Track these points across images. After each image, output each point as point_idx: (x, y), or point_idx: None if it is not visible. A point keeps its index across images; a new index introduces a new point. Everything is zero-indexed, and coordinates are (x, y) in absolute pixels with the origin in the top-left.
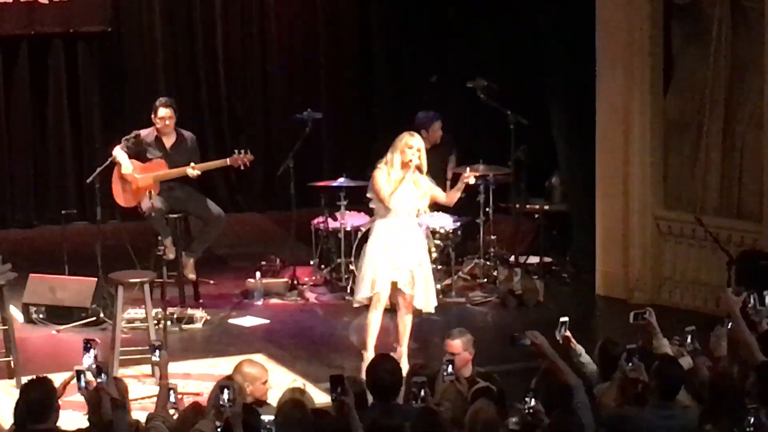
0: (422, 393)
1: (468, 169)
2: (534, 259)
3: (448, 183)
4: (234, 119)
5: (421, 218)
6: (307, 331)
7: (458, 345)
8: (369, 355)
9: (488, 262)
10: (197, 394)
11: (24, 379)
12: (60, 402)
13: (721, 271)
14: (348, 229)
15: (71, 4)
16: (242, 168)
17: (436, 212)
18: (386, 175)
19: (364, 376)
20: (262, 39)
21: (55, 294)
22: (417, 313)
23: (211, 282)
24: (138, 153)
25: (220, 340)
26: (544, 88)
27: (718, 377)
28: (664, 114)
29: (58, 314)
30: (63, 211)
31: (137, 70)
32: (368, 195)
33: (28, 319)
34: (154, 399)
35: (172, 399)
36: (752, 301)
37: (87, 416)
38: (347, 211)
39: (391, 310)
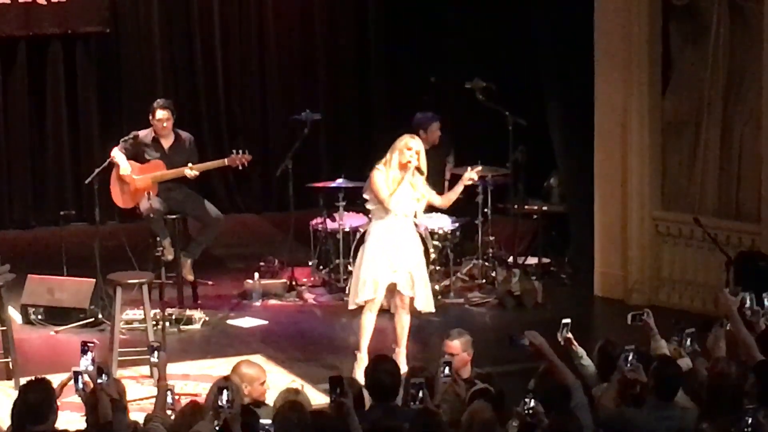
0: (420, 394)
1: (470, 168)
2: (532, 260)
3: (447, 184)
4: (232, 120)
5: (420, 219)
6: (305, 332)
7: (457, 346)
8: (362, 356)
9: (487, 263)
10: (195, 395)
11: (23, 380)
12: (58, 403)
13: (720, 272)
14: (347, 229)
15: (69, 5)
16: (240, 168)
17: (434, 213)
18: (385, 176)
19: (357, 377)
20: (260, 40)
21: (54, 295)
22: (416, 314)
23: (210, 283)
24: (136, 154)
25: (219, 341)
26: (543, 89)
27: (716, 377)
28: (662, 114)
29: (56, 315)
30: (61, 212)
31: (135, 71)
32: (365, 195)
33: (27, 320)
34: (153, 400)
35: (169, 400)
36: (749, 301)
37: (85, 417)
38: (346, 212)
39: (384, 312)
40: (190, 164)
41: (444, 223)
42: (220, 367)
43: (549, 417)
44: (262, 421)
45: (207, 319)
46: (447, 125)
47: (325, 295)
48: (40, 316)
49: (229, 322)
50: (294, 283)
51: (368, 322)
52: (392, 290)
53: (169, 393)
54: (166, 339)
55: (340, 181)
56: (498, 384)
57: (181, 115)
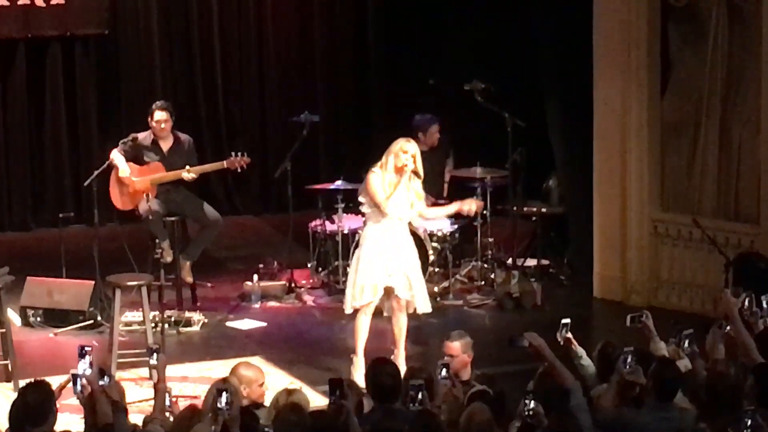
0: (420, 396)
1: (474, 199)
2: (531, 262)
3: (446, 186)
4: (231, 122)
5: (419, 221)
6: (304, 334)
7: (457, 347)
8: (359, 359)
9: (486, 265)
10: (195, 397)
11: (22, 382)
12: (57, 405)
13: (718, 273)
14: (345, 231)
15: (68, 7)
16: (239, 170)
17: None
18: (381, 179)
19: (354, 380)
20: (259, 41)
21: (53, 297)
22: (415, 316)
23: (209, 285)
24: (135, 156)
25: (218, 343)
26: (542, 91)
27: (714, 378)
28: (662, 116)
29: (55, 317)
30: (60, 214)
31: (134, 73)
32: (360, 198)
33: (26, 322)
34: (152, 402)
35: (167, 402)
36: (747, 303)
37: (83, 419)
38: (345, 214)
39: (376, 314)
40: (187, 167)
41: (443, 225)
42: (219, 369)
43: (548, 418)
44: (261, 423)
45: (206, 321)
46: (446, 127)
47: (324, 297)
48: (39, 318)
49: (228, 324)
50: (293, 285)
51: (363, 325)
52: (388, 293)
53: (167, 395)
54: (165, 341)
55: (339, 183)
56: (499, 386)
57: (180, 117)
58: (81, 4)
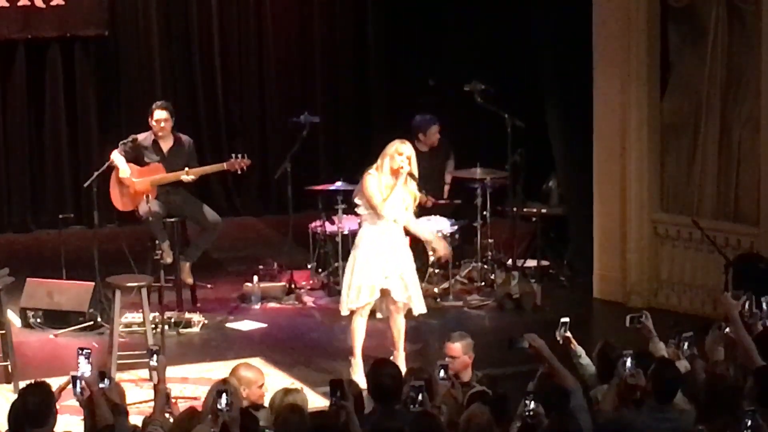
0: (420, 397)
1: (443, 249)
2: (531, 263)
3: (447, 187)
4: (230, 123)
5: (419, 221)
6: (304, 335)
7: (458, 348)
8: (357, 360)
9: (485, 266)
10: (195, 398)
11: (22, 384)
12: (57, 406)
13: (718, 274)
14: (345, 232)
15: (68, 9)
16: (239, 172)
17: (433, 216)
18: (377, 182)
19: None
20: (259, 42)
21: (53, 298)
22: (415, 317)
23: (209, 286)
24: (136, 157)
25: (218, 344)
26: (542, 92)
27: (713, 379)
28: (661, 116)
29: (55, 318)
30: (60, 216)
31: (134, 73)
32: (356, 200)
33: (26, 324)
34: (152, 403)
35: (167, 403)
36: (747, 305)
37: (83, 421)
38: (344, 215)
39: (371, 316)
40: (187, 168)
41: (443, 226)
42: (219, 370)
43: (549, 418)
44: (261, 424)
45: (206, 322)
46: (446, 128)
47: (324, 298)
48: (39, 320)
49: (228, 325)
50: (293, 286)
51: (360, 327)
52: (384, 294)
53: (167, 396)
54: (165, 342)
55: (338, 184)
56: (503, 388)
57: (180, 118)
58: (81, 5)
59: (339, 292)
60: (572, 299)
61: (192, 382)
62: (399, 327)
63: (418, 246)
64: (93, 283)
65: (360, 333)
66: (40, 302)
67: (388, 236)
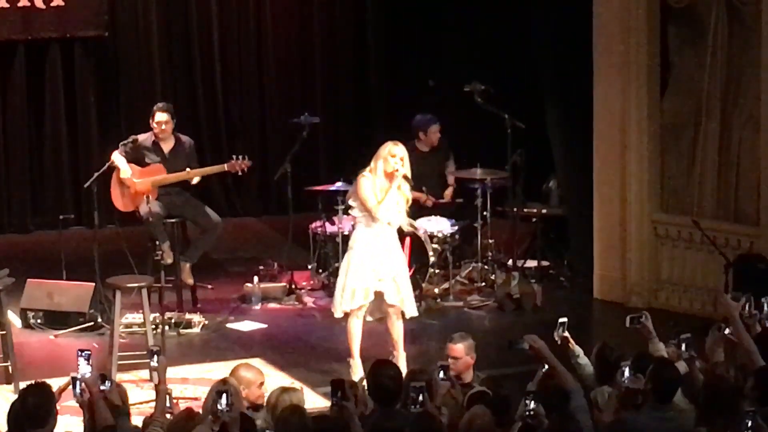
0: (421, 398)
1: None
2: (531, 263)
3: (451, 188)
4: (230, 123)
5: (420, 222)
6: (304, 336)
7: (461, 349)
8: (356, 362)
9: (486, 266)
10: (195, 399)
11: (22, 384)
12: (58, 407)
13: (718, 274)
14: (346, 233)
15: (68, 10)
16: (240, 174)
17: (433, 216)
18: (372, 184)
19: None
20: (259, 43)
21: (53, 299)
22: (414, 318)
23: (209, 287)
24: (136, 158)
25: (218, 344)
26: (542, 92)
27: (713, 380)
28: (661, 116)
29: (55, 319)
30: (60, 216)
31: (134, 74)
32: (350, 202)
33: (26, 324)
34: (152, 404)
35: (168, 404)
36: (747, 306)
37: (83, 422)
38: (344, 215)
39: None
40: (188, 169)
41: (443, 227)
42: (220, 370)
43: (549, 419)
44: (261, 425)
45: (206, 322)
46: (446, 128)
47: (324, 298)
48: (39, 320)
49: (229, 325)
50: (293, 286)
51: (356, 328)
52: (377, 296)
53: (168, 397)
54: (166, 343)
55: (339, 185)
56: (505, 389)
57: (180, 118)
58: (80, 6)
59: None
60: (572, 300)
61: (192, 383)
62: (397, 328)
63: (417, 247)
64: (93, 284)
65: (357, 334)
66: (41, 303)
67: (383, 239)
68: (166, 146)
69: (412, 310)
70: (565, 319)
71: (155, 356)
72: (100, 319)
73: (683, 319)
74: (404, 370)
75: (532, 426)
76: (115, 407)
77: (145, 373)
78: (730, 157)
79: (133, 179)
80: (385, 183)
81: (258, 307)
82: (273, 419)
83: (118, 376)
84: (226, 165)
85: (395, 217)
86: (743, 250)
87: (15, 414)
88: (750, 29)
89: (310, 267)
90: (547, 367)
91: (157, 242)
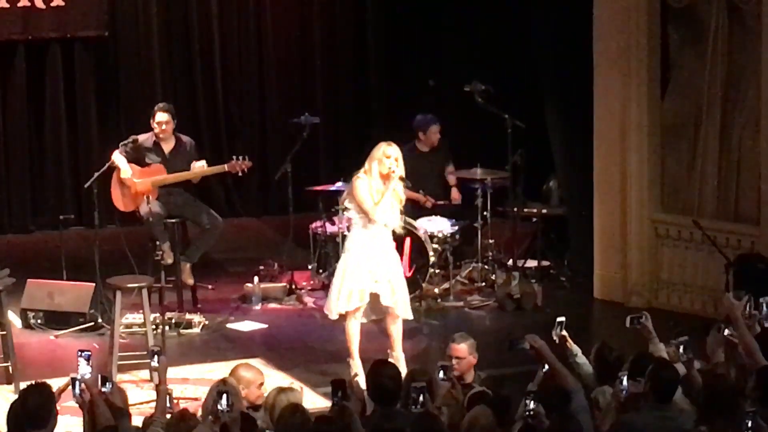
0: (422, 398)
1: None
2: (532, 263)
3: (454, 189)
4: (231, 123)
5: (420, 222)
6: (305, 336)
7: (464, 349)
8: (356, 362)
9: (486, 266)
10: (195, 399)
11: (22, 385)
12: (58, 408)
13: (719, 274)
14: (346, 233)
15: (68, 9)
16: (240, 174)
17: (433, 216)
18: (368, 185)
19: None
20: (259, 43)
21: (53, 299)
22: (414, 318)
23: (209, 287)
24: (137, 158)
25: (219, 345)
26: (541, 92)
27: (713, 380)
28: (661, 116)
29: (56, 319)
30: (61, 216)
31: (134, 74)
32: (346, 204)
33: (26, 325)
34: (153, 404)
35: (168, 404)
36: (747, 306)
37: (82, 423)
38: (344, 216)
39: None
40: (193, 164)
41: (443, 227)
42: (220, 370)
43: (550, 419)
44: (260, 425)
45: (207, 323)
46: (446, 128)
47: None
48: (39, 321)
49: (229, 326)
50: (293, 286)
51: (354, 329)
52: (372, 298)
53: (168, 397)
54: (166, 343)
55: (339, 185)
56: (507, 390)
57: (180, 118)
58: (81, 6)
59: None
60: (573, 299)
61: (193, 383)
62: (396, 329)
63: (417, 247)
64: (93, 284)
65: (355, 335)
66: (41, 303)
67: (379, 240)
68: (167, 146)
69: (406, 313)
70: (563, 318)
71: (156, 356)
72: (100, 320)
73: (683, 319)
74: (403, 371)
75: (533, 426)
76: (117, 409)
77: (145, 374)
78: (730, 156)
79: (133, 179)
80: (380, 184)
81: (258, 307)
82: (271, 419)
83: (119, 377)
84: (226, 165)
85: (392, 218)
86: (743, 249)
87: (15, 414)
88: (750, 29)
89: (310, 267)
90: (547, 367)
91: (158, 242)
